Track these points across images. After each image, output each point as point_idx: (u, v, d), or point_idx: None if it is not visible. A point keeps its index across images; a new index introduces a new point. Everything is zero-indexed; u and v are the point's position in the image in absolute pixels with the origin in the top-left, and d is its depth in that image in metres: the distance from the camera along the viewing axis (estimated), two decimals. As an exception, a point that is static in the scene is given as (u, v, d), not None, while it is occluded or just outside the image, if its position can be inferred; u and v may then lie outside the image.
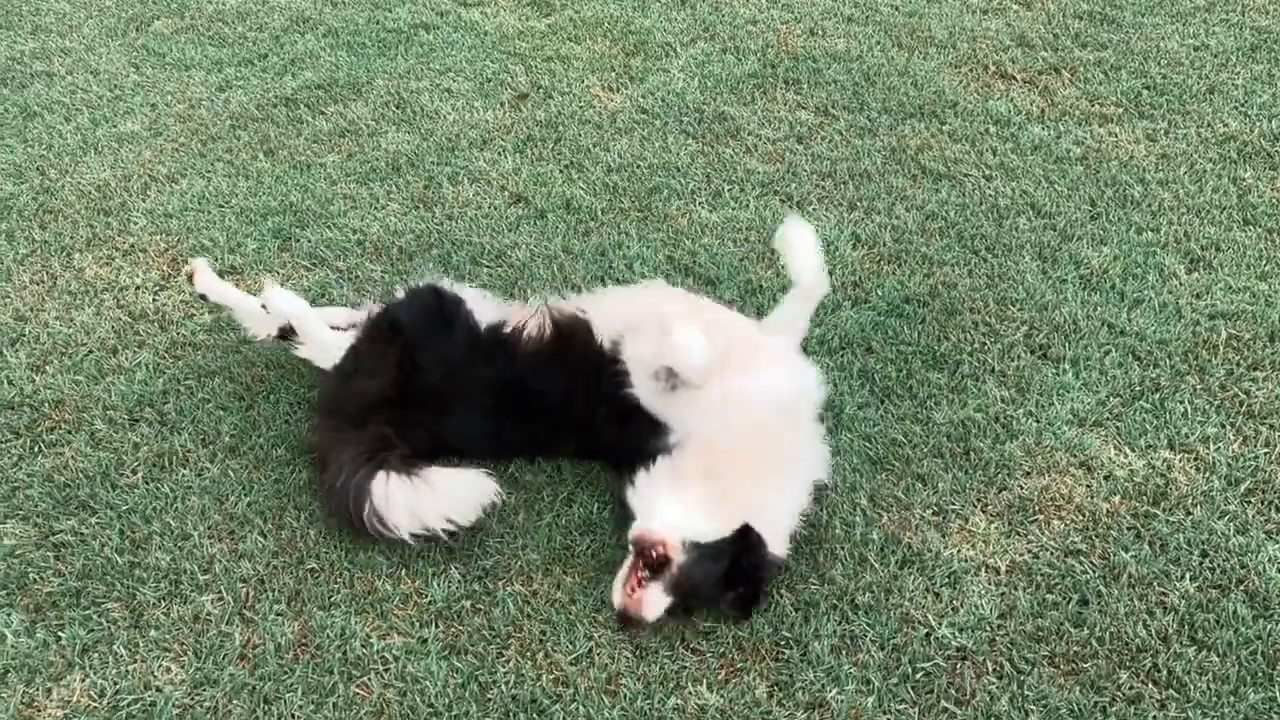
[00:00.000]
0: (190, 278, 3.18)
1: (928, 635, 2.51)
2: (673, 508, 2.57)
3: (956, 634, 2.51)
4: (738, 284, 3.54)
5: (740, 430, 2.67)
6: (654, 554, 2.49)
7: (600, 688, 2.45)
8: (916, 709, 2.38)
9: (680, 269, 3.63)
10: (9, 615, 2.62)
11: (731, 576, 2.53)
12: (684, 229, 3.81)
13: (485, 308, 3.04)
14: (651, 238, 3.78)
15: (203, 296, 3.19)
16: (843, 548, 2.70)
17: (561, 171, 4.15)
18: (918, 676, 2.44)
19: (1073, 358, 3.21)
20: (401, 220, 3.93)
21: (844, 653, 2.48)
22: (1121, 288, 3.47)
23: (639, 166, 4.15)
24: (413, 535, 2.71)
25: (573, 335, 2.90)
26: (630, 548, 2.56)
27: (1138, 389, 3.11)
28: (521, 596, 2.65)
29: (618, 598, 2.51)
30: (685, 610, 2.55)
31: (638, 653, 2.52)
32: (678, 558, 2.50)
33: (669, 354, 2.63)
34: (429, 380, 2.89)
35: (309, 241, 3.82)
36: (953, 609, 2.57)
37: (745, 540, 2.53)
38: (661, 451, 2.70)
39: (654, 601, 2.48)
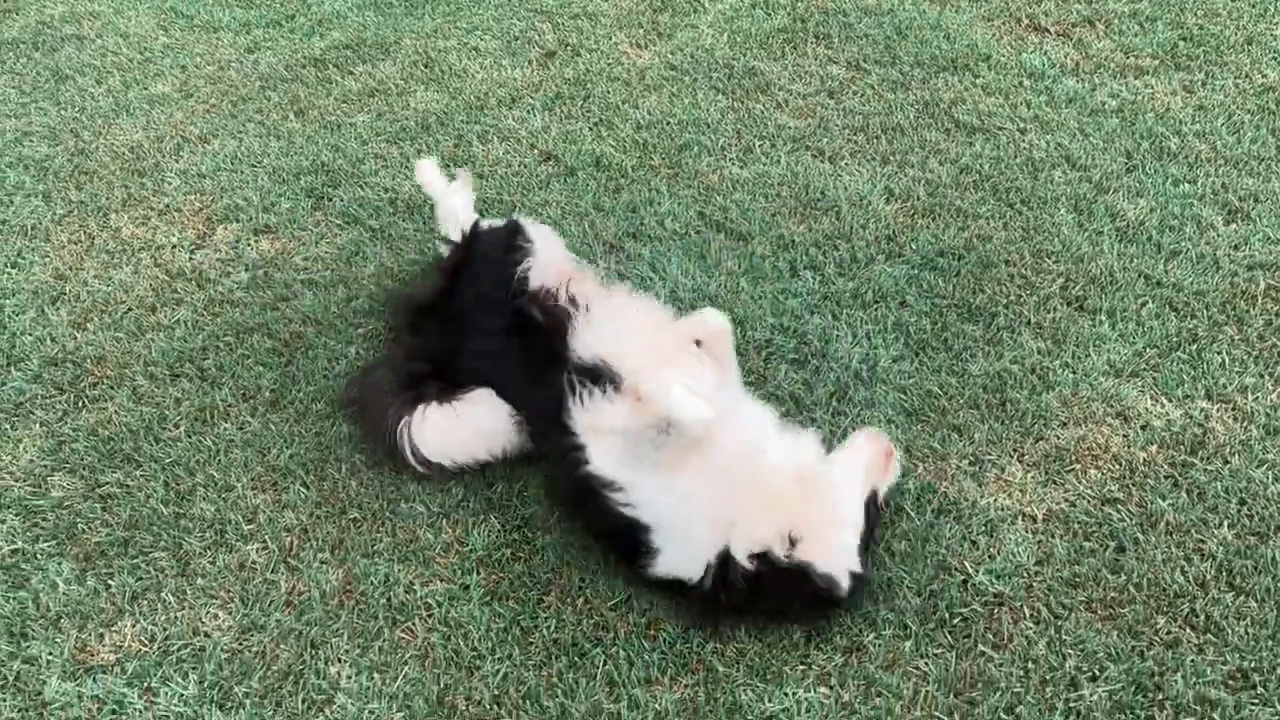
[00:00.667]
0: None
1: (965, 582, 2.53)
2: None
3: (993, 580, 2.52)
4: (770, 239, 3.53)
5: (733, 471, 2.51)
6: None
7: (640, 632, 2.49)
8: (954, 653, 2.40)
9: (712, 225, 3.62)
10: (59, 564, 2.68)
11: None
12: (715, 185, 3.81)
13: (551, 257, 3.04)
14: (682, 194, 3.77)
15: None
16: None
17: (591, 129, 4.14)
18: (955, 622, 2.46)
19: (1109, 309, 3.19)
20: (432, 179, 3.94)
21: (880, 599, 2.50)
22: (1158, 239, 3.44)
23: (668, 123, 4.13)
24: (452, 464, 2.79)
25: (553, 333, 2.77)
26: None
27: (1175, 340, 3.09)
28: (560, 545, 2.68)
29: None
30: None
31: (675, 599, 2.55)
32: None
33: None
34: (460, 303, 2.95)
35: (342, 200, 3.84)
36: (989, 556, 2.58)
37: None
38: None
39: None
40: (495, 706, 2.36)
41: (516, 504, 2.79)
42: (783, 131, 4.05)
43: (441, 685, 2.40)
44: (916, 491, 2.72)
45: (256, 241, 3.67)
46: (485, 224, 3.20)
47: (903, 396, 2.97)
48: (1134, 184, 3.69)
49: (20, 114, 4.40)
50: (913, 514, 2.67)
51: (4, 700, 2.41)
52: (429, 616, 2.54)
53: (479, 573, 2.62)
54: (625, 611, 2.53)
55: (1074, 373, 3.01)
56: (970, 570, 2.54)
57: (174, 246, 3.66)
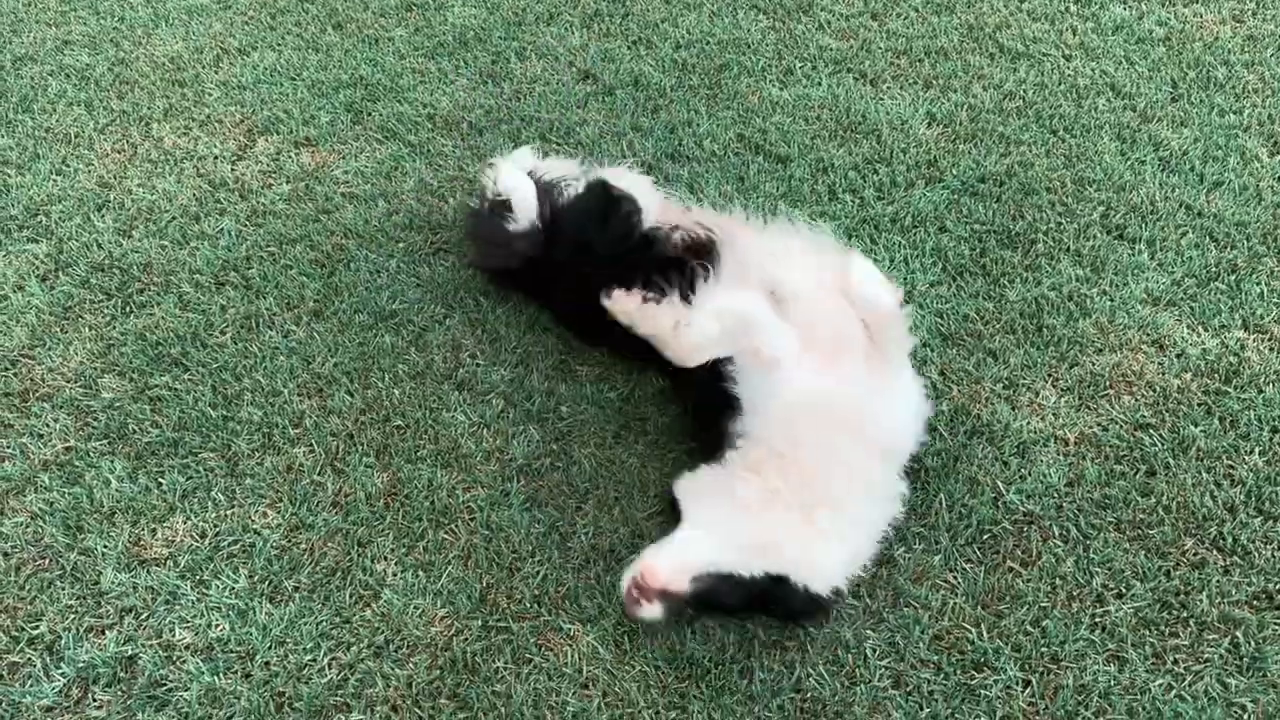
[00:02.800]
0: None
1: (995, 500, 2.58)
2: (694, 542, 2.30)
3: (1024, 500, 2.57)
4: (808, 162, 3.52)
5: (809, 439, 2.35)
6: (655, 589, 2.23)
7: (675, 542, 2.55)
8: (982, 568, 2.46)
9: (750, 147, 3.61)
10: (111, 462, 2.77)
11: (758, 604, 2.32)
12: (754, 107, 3.78)
13: (650, 203, 2.95)
14: (721, 115, 3.75)
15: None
16: (913, 417, 2.75)
17: (629, 48, 4.11)
18: (984, 538, 2.51)
19: (1149, 238, 3.18)
20: (470, 95, 3.93)
21: (913, 515, 2.56)
22: (1201, 170, 3.41)
23: (708, 43, 4.09)
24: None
25: (703, 254, 2.72)
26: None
27: (1213, 270, 3.09)
28: (596, 459, 2.74)
29: (624, 585, 2.28)
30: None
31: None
32: (685, 590, 2.24)
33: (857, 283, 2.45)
34: (559, 255, 2.93)
35: (380, 115, 3.84)
36: (1020, 477, 2.62)
37: (779, 588, 2.27)
38: (726, 439, 2.45)
39: (654, 613, 2.24)
40: (535, 605, 2.45)
41: (553, 418, 2.84)
42: (824, 53, 4.01)
43: (484, 584, 2.49)
44: (950, 413, 2.76)
45: (297, 154, 3.69)
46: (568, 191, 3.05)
47: (939, 320, 2.99)
48: (1179, 113, 3.65)
49: (60, 22, 4.40)
50: (945, 434, 2.71)
51: (63, 589, 2.51)
52: (471, 520, 2.61)
53: (519, 480, 2.69)
54: (661, 522, 2.59)
55: (1111, 300, 3.02)
56: (1001, 489, 2.59)
57: (216, 157, 3.69)
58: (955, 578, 2.44)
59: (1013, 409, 2.77)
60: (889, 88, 3.84)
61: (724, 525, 2.30)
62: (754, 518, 2.29)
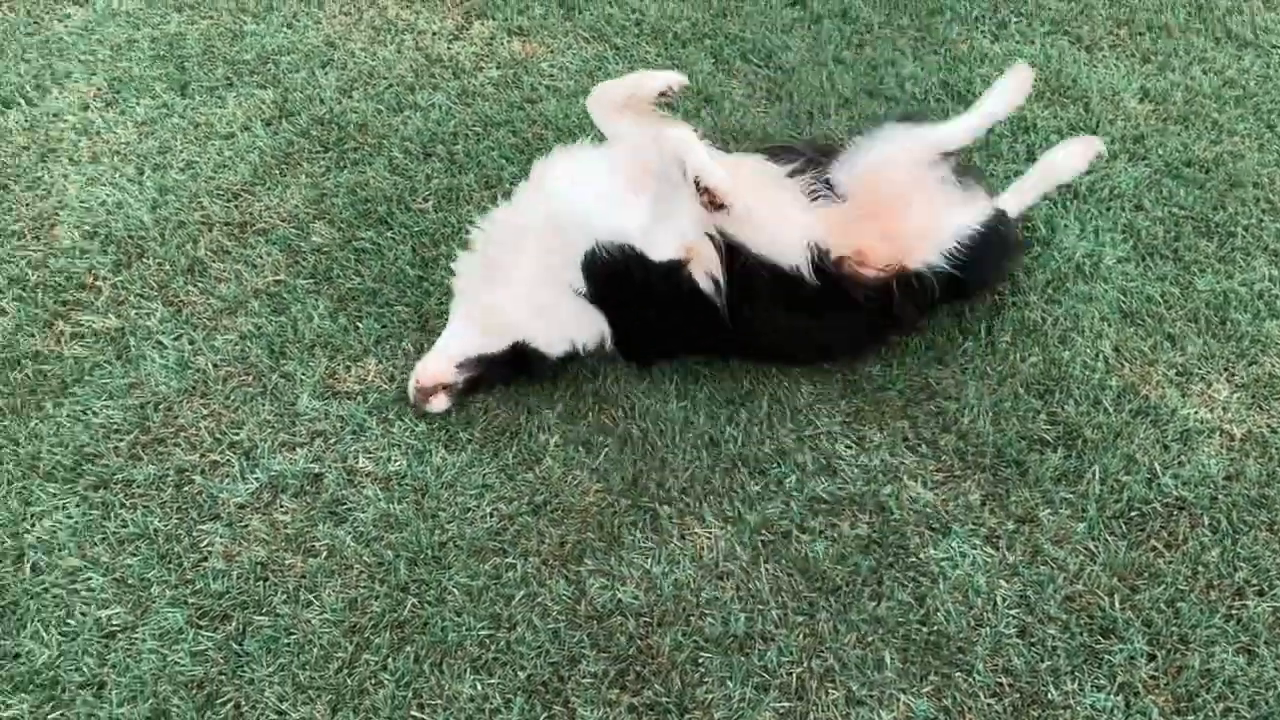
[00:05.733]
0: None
1: (1150, 480, 2.59)
2: (453, 337, 2.78)
3: (1179, 485, 2.57)
4: (1010, 119, 3.47)
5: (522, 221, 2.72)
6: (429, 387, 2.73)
7: (820, 468, 2.65)
8: (1125, 543, 2.48)
9: (953, 95, 3.58)
10: (316, 300, 3.01)
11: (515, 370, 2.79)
12: (962, 55, 3.74)
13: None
14: (928, 59, 3.73)
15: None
16: (1079, 388, 2.76)
17: (843, -21, 4.09)
18: (1132, 515, 2.53)
19: (1358, 250, 3.07)
20: (679, 6, 3.99)
21: (1064, 481, 2.59)
22: None
23: (924, -14, 4.04)
24: None
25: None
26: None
27: None
28: (753, 373, 2.84)
29: (410, 393, 2.75)
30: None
31: (859, 442, 2.70)
32: (458, 379, 2.73)
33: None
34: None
35: (591, 15, 3.94)
36: (1178, 463, 2.62)
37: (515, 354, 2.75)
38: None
39: (441, 404, 2.74)
40: (683, 496, 2.59)
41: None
42: (1042, 11, 3.92)
43: (636, 469, 2.64)
44: (1118, 390, 2.76)
45: (509, 41, 3.83)
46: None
47: (1122, 297, 2.97)
48: None
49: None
50: (1110, 409, 2.72)
51: (263, 404, 2.77)
52: (630, 409, 2.76)
53: (676, 381, 2.82)
54: (807, 448, 2.69)
55: (1305, 306, 2.94)
56: (1158, 471, 2.59)
57: (434, 33, 3.86)
58: (1096, 546, 2.48)
59: (1183, 396, 2.75)
60: (1104, 56, 3.74)
61: (473, 313, 2.76)
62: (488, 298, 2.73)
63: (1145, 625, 2.35)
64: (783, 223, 2.62)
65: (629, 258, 2.58)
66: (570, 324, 2.72)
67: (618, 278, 2.61)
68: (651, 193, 2.60)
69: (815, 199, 2.69)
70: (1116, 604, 2.38)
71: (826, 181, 2.73)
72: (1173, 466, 2.61)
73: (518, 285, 2.69)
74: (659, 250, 2.57)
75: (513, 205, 2.76)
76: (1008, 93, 2.87)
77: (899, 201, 2.69)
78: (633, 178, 2.64)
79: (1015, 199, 3.02)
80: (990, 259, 2.78)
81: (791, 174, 2.73)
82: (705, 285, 2.60)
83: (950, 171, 2.79)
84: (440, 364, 2.72)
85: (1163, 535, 2.50)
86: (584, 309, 2.69)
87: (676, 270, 2.58)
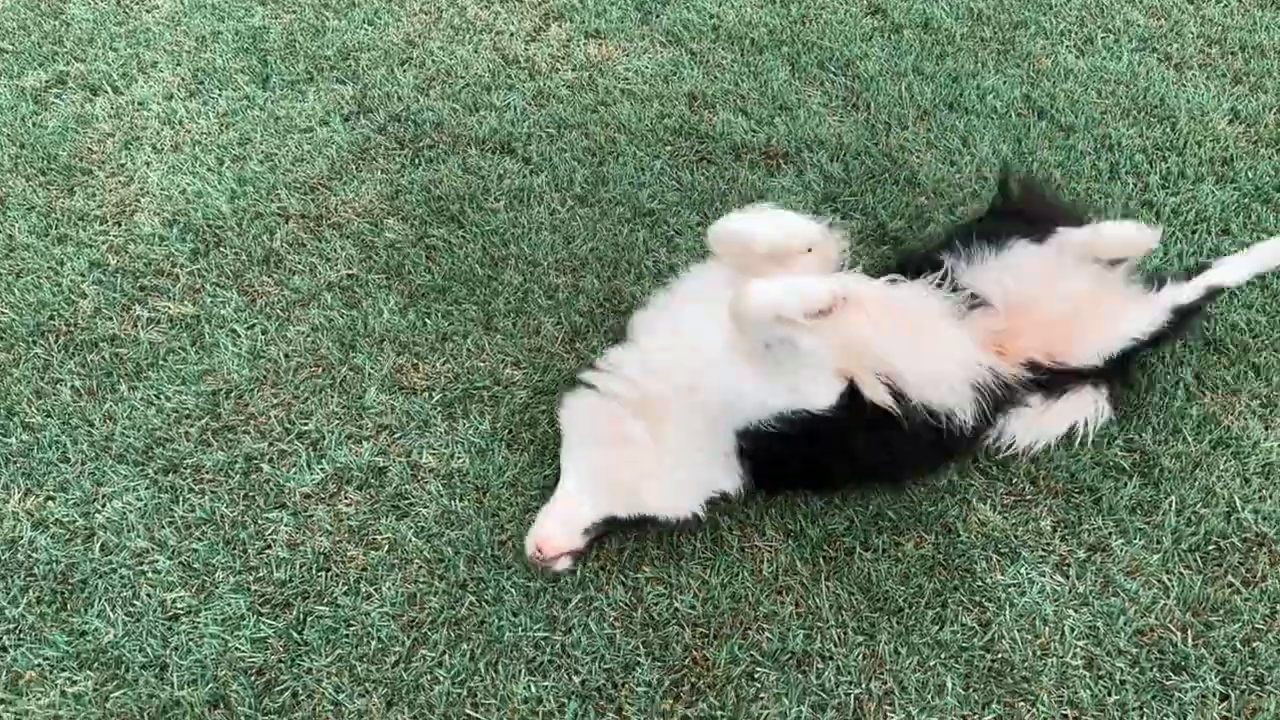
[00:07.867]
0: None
1: (1228, 514, 2.50)
2: (576, 504, 2.44)
3: (1259, 520, 2.49)
4: (1094, 136, 3.40)
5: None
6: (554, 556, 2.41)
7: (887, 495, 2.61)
8: (1200, 577, 2.40)
9: (1034, 110, 3.51)
10: (387, 295, 3.04)
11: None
12: (1046, 70, 3.66)
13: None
14: (1010, 73, 3.66)
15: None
16: (1158, 415, 2.68)
17: (924, -10, 4.03)
18: (1208, 548, 2.45)
19: None
20: (756, 12, 3.97)
21: (1139, 511, 2.52)
22: None
23: (1008, -2, 3.97)
24: None
25: None
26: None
27: None
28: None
29: (528, 553, 2.41)
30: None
31: (927, 461, 2.65)
32: (581, 545, 2.44)
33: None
34: None
35: (667, 19, 3.94)
36: (1260, 497, 2.53)
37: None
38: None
39: (565, 565, 2.44)
40: (743, 508, 2.57)
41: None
42: (1130, 28, 3.82)
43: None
44: (1198, 418, 2.67)
45: (585, 44, 3.84)
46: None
47: (1205, 324, 2.88)
48: None
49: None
50: (1189, 438, 2.64)
51: (332, 396, 2.81)
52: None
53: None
54: (878, 458, 2.65)
55: (1401, 341, 2.82)
56: (1238, 504, 2.51)
57: (512, 34, 3.89)
58: (1170, 580, 2.40)
59: (1266, 428, 2.66)
60: (1194, 75, 3.64)
61: (598, 482, 2.44)
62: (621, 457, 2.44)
63: (1219, 664, 2.27)
64: (939, 346, 2.40)
65: (792, 421, 2.33)
66: (706, 487, 2.48)
67: (782, 439, 2.36)
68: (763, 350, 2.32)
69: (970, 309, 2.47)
70: (1189, 640, 2.30)
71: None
72: (1253, 500, 2.52)
73: (652, 467, 2.42)
74: (821, 398, 2.32)
75: (642, 362, 2.48)
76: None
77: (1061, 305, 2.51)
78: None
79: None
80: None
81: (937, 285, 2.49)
82: (884, 397, 2.30)
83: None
84: (565, 536, 2.40)
85: (1240, 571, 2.41)
86: (727, 465, 2.44)
87: (848, 401, 2.32)
